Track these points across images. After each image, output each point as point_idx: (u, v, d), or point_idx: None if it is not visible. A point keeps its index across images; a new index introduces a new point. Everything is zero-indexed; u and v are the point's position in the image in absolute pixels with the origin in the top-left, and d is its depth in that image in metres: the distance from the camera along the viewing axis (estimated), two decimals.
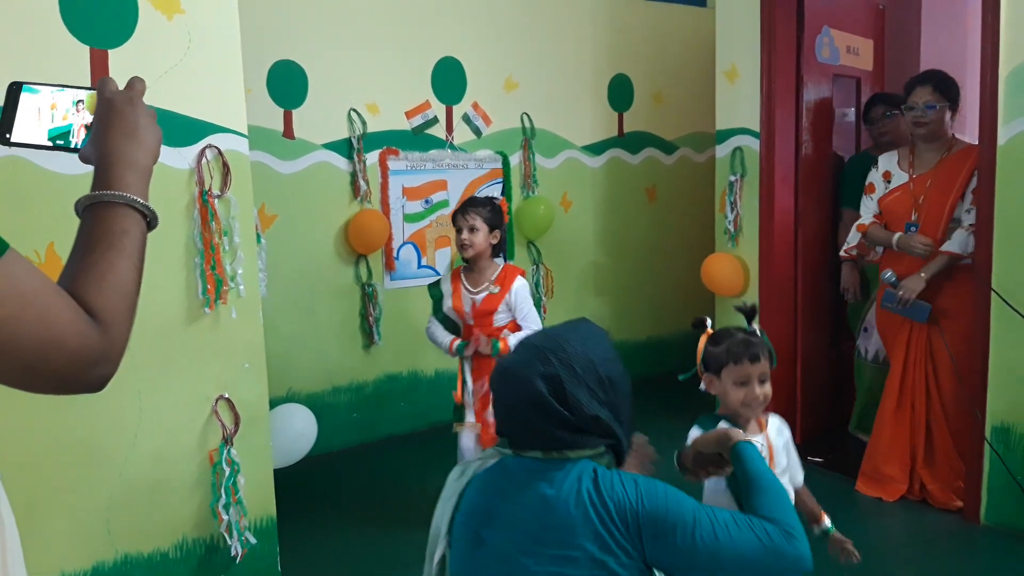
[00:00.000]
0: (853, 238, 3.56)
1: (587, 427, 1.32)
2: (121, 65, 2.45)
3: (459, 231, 3.05)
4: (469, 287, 3.08)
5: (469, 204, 3.09)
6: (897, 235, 3.32)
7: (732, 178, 4.11)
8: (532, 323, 3.06)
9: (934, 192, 3.29)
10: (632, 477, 1.32)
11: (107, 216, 0.94)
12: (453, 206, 4.50)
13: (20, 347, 0.81)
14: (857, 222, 3.53)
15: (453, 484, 1.46)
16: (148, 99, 2.60)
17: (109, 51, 2.45)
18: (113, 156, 0.99)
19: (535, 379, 1.32)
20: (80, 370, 0.86)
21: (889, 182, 3.44)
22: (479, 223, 3.02)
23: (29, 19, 2.33)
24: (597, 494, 1.28)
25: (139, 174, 1.00)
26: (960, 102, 3.32)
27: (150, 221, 0.98)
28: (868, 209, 3.51)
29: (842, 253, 3.66)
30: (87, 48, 2.42)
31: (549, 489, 1.30)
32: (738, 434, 1.55)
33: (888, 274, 3.35)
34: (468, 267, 3.12)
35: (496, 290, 3.05)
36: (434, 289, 3.19)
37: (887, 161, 3.48)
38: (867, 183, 3.52)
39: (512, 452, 1.40)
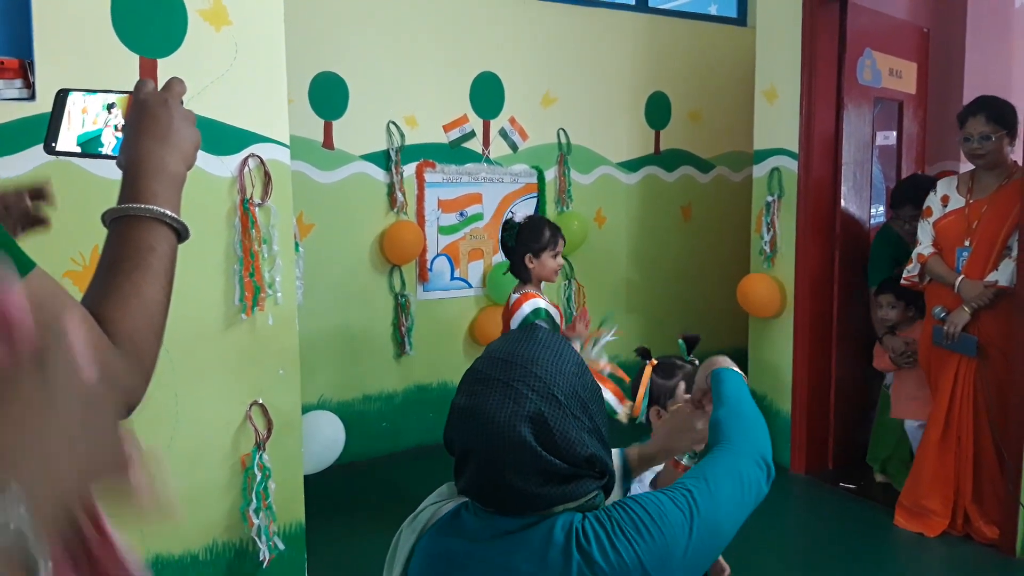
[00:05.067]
0: (914, 268, 3.44)
1: (580, 472, 1.03)
2: (169, 74, 2.50)
3: (556, 256, 2.99)
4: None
5: (559, 231, 3.03)
6: (961, 279, 3.22)
7: (769, 198, 4.08)
8: None
9: (989, 218, 3.22)
10: (620, 524, 1.02)
11: (132, 232, 0.87)
12: (487, 219, 4.54)
13: None
14: (916, 250, 3.44)
15: (404, 541, 1.15)
16: (194, 108, 2.66)
17: (158, 60, 2.51)
18: (142, 163, 0.91)
19: (519, 426, 0.99)
20: None
21: (946, 206, 3.38)
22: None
23: (82, 27, 2.40)
24: (590, 570, 0.98)
25: (169, 182, 0.92)
26: (1018, 127, 3.24)
27: (180, 233, 0.91)
28: (926, 233, 3.42)
29: (903, 282, 3.53)
30: (137, 57, 2.48)
31: (530, 565, 1.00)
32: (722, 361, 1.42)
33: (938, 310, 3.30)
34: (534, 285, 3.01)
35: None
36: (543, 312, 2.94)
37: (946, 185, 3.42)
38: (924, 207, 3.46)
39: (473, 503, 1.10)
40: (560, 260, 3.01)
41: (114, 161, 0.97)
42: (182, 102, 1.00)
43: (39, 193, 1.09)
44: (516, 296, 2.94)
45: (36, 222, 1.07)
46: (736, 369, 1.41)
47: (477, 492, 1.07)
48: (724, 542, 1.09)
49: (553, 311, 2.94)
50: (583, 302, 4.91)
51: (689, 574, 1.05)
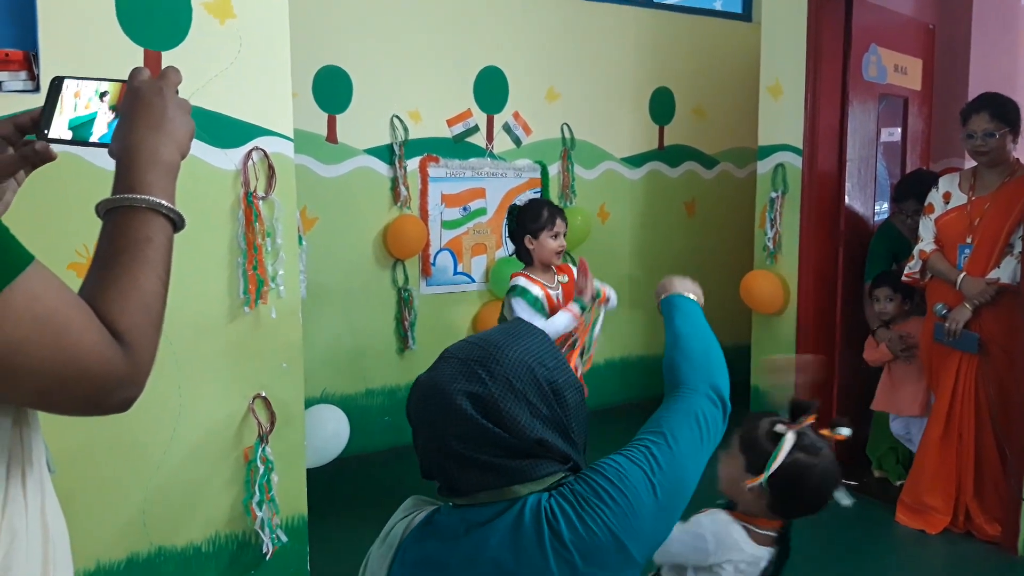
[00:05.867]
0: (915, 264, 3.45)
1: (534, 452, 1.04)
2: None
3: (556, 236, 2.98)
4: (549, 284, 3.00)
5: (560, 211, 3.03)
6: (962, 276, 3.21)
7: (773, 195, 4.08)
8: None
9: (992, 215, 3.21)
10: (583, 496, 1.03)
11: (129, 223, 0.87)
12: (491, 214, 4.53)
13: (37, 372, 0.76)
14: (918, 247, 3.43)
15: (375, 563, 1.15)
16: (198, 101, 2.65)
17: (163, 53, 2.51)
18: (136, 152, 0.90)
19: (459, 399, 1.03)
20: (103, 395, 0.81)
21: (948, 203, 3.37)
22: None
23: (86, 19, 2.40)
24: (561, 546, 0.99)
25: (163, 171, 0.91)
26: (1022, 124, 3.24)
27: (176, 223, 0.91)
28: (927, 230, 3.41)
29: (904, 278, 3.53)
30: (141, 49, 2.48)
31: (504, 552, 1.01)
32: (676, 285, 1.44)
33: (939, 307, 3.29)
34: (537, 268, 3.01)
35: (565, 279, 3.06)
36: (528, 294, 2.94)
37: (948, 182, 3.41)
38: (926, 203, 3.45)
39: (444, 502, 1.11)
40: (561, 241, 2.99)
41: (106, 149, 0.96)
42: (177, 91, 0.98)
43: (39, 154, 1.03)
44: None
45: (43, 159, 1.03)
46: (690, 294, 1.43)
47: (435, 466, 1.08)
48: (691, 490, 1.11)
49: (538, 292, 2.92)
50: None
51: (661, 528, 1.08)
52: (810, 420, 1.67)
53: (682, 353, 1.28)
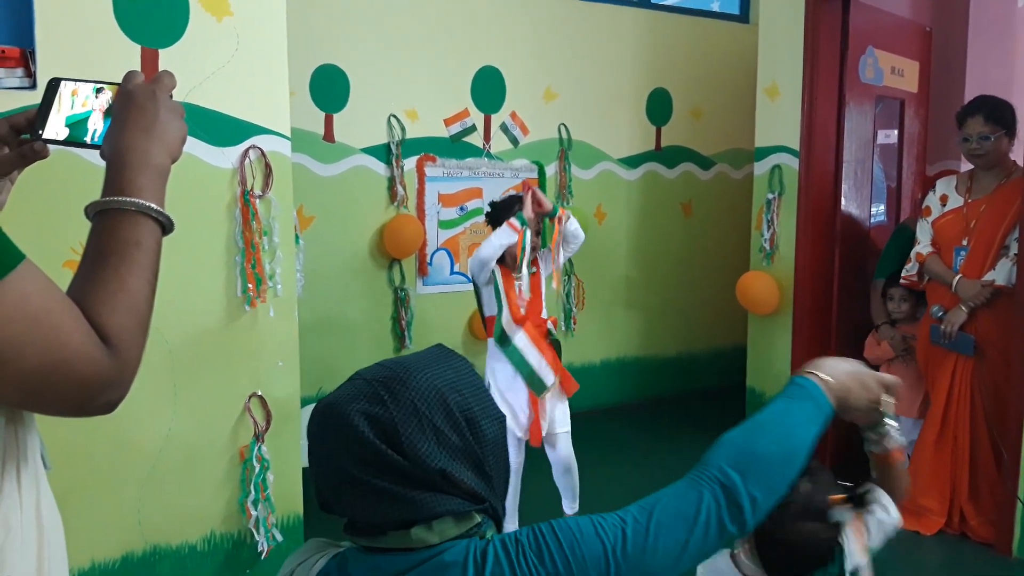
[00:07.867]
0: (912, 267, 3.47)
1: (437, 484, 0.93)
2: (171, 64, 2.50)
3: (528, 231, 2.99)
4: (516, 277, 3.04)
5: None
6: (958, 278, 3.23)
7: (770, 196, 4.08)
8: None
9: (988, 218, 3.23)
10: (523, 550, 0.91)
11: (119, 225, 0.87)
12: None
13: (25, 371, 0.76)
14: (915, 249, 3.45)
15: None
16: (195, 99, 2.63)
17: (160, 50, 2.51)
18: (127, 155, 0.91)
19: (356, 418, 0.93)
20: (89, 396, 0.81)
21: (945, 205, 3.39)
22: None
23: (83, 16, 2.39)
24: None
25: (154, 175, 0.92)
26: (1017, 126, 3.25)
27: (165, 226, 0.91)
28: (925, 232, 3.43)
29: (901, 281, 3.55)
30: (138, 47, 2.48)
31: None
32: (824, 366, 1.12)
33: (936, 309, 3.31)
34: (507, 264, 3.06)
35: (533, 270, 3.13)
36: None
37: (945, 185, 3.43)
38: (924, 206, 3.47)
39: (352, 543, 0.99)
40: (531, 237, 3.00)
41: (98, 151, 0.96)
42: (171, 95, 0.99)
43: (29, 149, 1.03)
44: None
45: (34, 156, 1.03)
46: (828, 378, 1.10)
47: (331, 494, 0.98)
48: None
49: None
50: (582, 297, 4.91)
51: None
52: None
53: (740, 430, 1.03)
